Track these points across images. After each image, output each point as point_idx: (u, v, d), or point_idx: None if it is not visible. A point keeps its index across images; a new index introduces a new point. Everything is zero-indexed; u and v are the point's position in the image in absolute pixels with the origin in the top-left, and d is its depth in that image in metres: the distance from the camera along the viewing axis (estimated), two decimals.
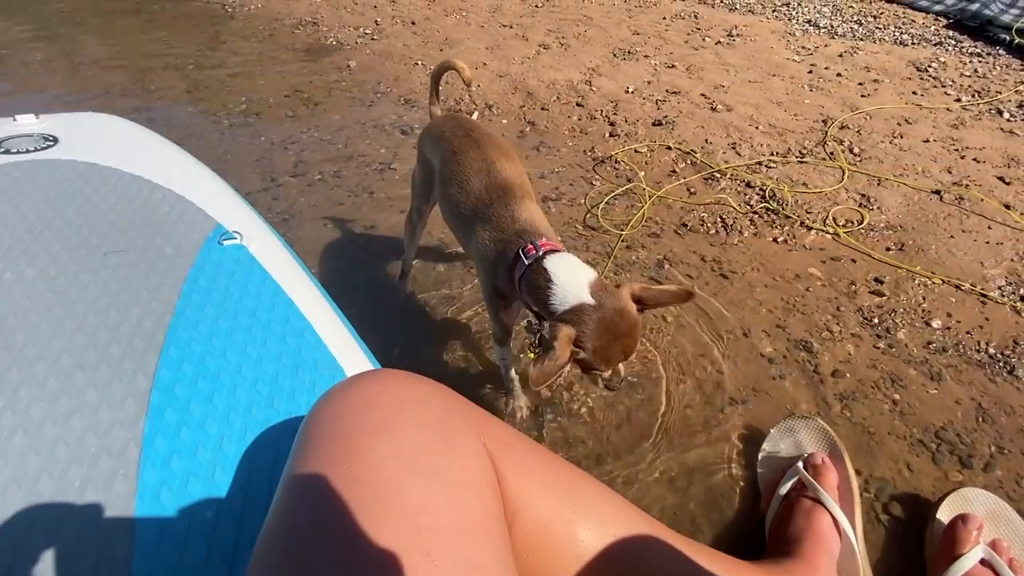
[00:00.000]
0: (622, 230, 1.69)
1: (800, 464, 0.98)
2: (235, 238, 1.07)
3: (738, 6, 3.29)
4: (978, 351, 1.28)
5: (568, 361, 0.85)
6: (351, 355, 0.86)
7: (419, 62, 2.85)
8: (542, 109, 2.37)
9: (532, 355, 1.25)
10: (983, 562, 0.86)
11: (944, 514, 0.95)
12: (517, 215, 1.00)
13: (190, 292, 0.95)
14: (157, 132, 1.49)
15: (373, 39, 3.14)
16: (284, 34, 3.30)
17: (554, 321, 0.88)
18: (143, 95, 2.68)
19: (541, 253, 0.93)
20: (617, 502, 0.66)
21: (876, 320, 1.36)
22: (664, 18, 3.18)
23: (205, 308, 0.92)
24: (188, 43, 3.22)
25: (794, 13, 3.13)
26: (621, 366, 0.93)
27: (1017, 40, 2.48)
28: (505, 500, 0.55)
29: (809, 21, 3.01)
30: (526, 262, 0.93)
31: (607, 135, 2.17)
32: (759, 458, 1.07)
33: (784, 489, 0.97)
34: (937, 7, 2.96)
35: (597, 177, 1.95)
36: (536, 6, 3.45)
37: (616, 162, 2.01)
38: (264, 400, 0.78)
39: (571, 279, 0.89)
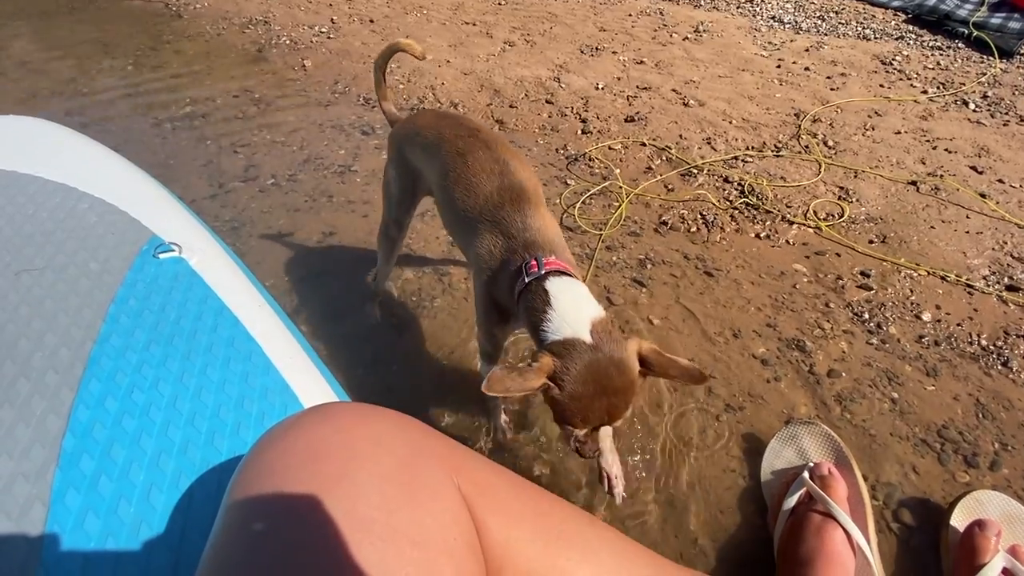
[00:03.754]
0: (600, 230, 1.61)
1: (806, 474, 0.92)
2: (173, 250, 0.94)
3: (703, 3, 3.28)
4: (970, 343, 1.24)
5: (534, 391, 0.73)
6: (307, 380, 0.75)
7: None
8: (510, 107, 2.28)
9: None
10: (1005, 571, 0.81)
11: (958, 520, 0.89)
12: (528, 223, 0.89)
13: (117, 314, 0.82)
14: (90, 137, 1.33)
15: (329, 38, 3.00)
16: (233, 33, 3.12)
17: (541, 349, 0.77)
18: (75, 98, 2.46)
19: (543, 272, 0.82)
20: (615, 541, 0.57)
21: (866, 315, 1.31)
22: (630, 15, 3.14)
23: (135, 332, 0.79)
24: (127, 44, 3.00)
25: (758, 9, 3.13)
26: (603, 433, 0.80)
27: (975, 33, 2.53)
28: (487, 553, 0.45)
29: (773, 17, 3.01)
30: (526, 279, 0.82)
31: (579, 132, 2.10)
32: (762, 468, 1.00)
33: (791, 502, 0.90)
34: (895, 2, 3.00)
35: (571, 176, 1.87)
36: (499, 3, 3.37)
37: (590, 160, 1.94)
38: (203, 438, 0.66)
39: (572, 309, 0.77)
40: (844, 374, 1.18)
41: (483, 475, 0.49)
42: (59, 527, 0.58)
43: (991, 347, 1.23)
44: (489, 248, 0.90)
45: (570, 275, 0.83)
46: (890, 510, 0.96)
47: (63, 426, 0.66)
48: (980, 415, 1.10)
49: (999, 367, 1.19)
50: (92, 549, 0.57)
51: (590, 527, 0.54)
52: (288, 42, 2.99)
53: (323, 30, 3.10)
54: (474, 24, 3.09)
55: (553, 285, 0.80)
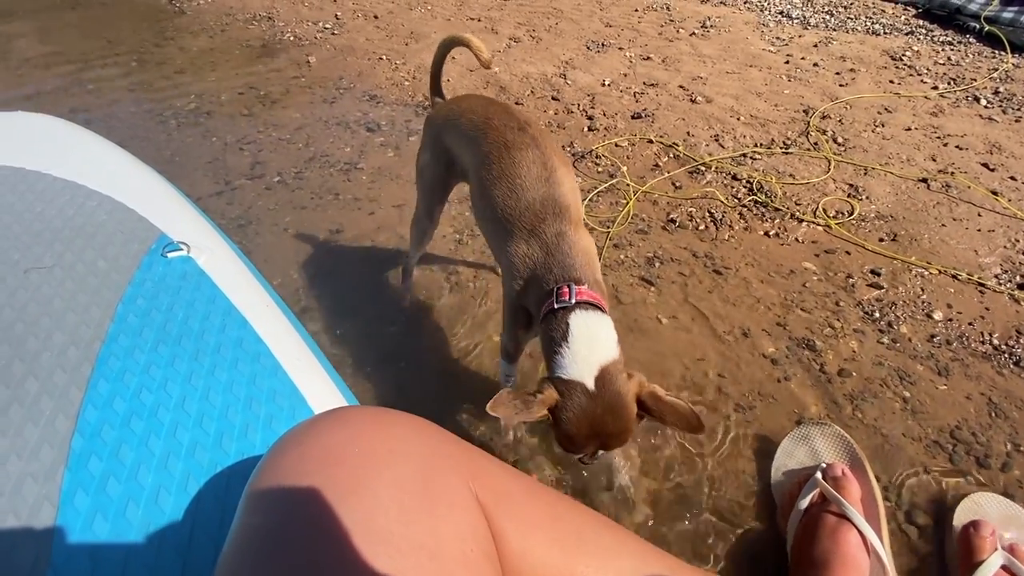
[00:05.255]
0: (608, 228, 1.60)
1: (819, 475, 0.91)
2: (181, 249, 0.94)
3: None
4: (982, 343, 1.23)
5: (535, 419, 0.77)
6: (315, 382, 0.74)
7: (383, 57, 2.71)
8: (516, 104, 2.27)
9: None
10: (1004, 568, 0.81)
11: (959, 521, 0.90)
12: (569, 243, 0.87)
13: (126, 314, 0.82)
14: (99, 134, 1.32)
15: (333, 34, 2.99)
16: (237, 29, 3.11)
17: (548, 380, 0.79)
18: (80, 94, 2.46)
19: (573, 302, 0.81)
20: (633, 545, 0.56)
21: (877, 314, 1.30)
22: (636, 10, 3.12)
23: (143, 332, 0.79)
24: (131, 39, 3.00)
25: (766, 4, 3.11)
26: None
27: (987, 28, 2.50)
28: (505, 562, 0.45)
29: (781, 12, 2.99)
30: (555, 306, 0.82)
31: (585, 129, 2.09)
32: (773, 469, 0.99)
33: (804, 503, 0.89)
34: None
35: (578, 173, 1.86)
36: None
37: (597, 157, 1.93)
38: (211, 440, 0.66)
39: (586, 350, 0.78)
40: (855, 373, 1.17)
41: (500, 481, 0.48)
42: (68, 528, 0.58)
43: (1003, 346, 1.22)
44: (523, 258, 0.88)
45: (598, 307, 0.83)
46: (903, 511, 0.95)
47: (72, 427, 0.66)
48: (992, 415, 1.09)
49: (1011, 366, 1.17)
50: (101, 551, 0.57)
51: (608, 531, 0.54)
52: (292, 38, 2.98)
53: (327, 26, 3.09)
54: (479, 20, 3.07)
55: (576, 320, 0.80)
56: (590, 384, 0.77)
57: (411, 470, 0.41)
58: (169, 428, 0.67)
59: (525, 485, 0.51)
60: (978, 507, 0.90)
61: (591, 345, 0.79)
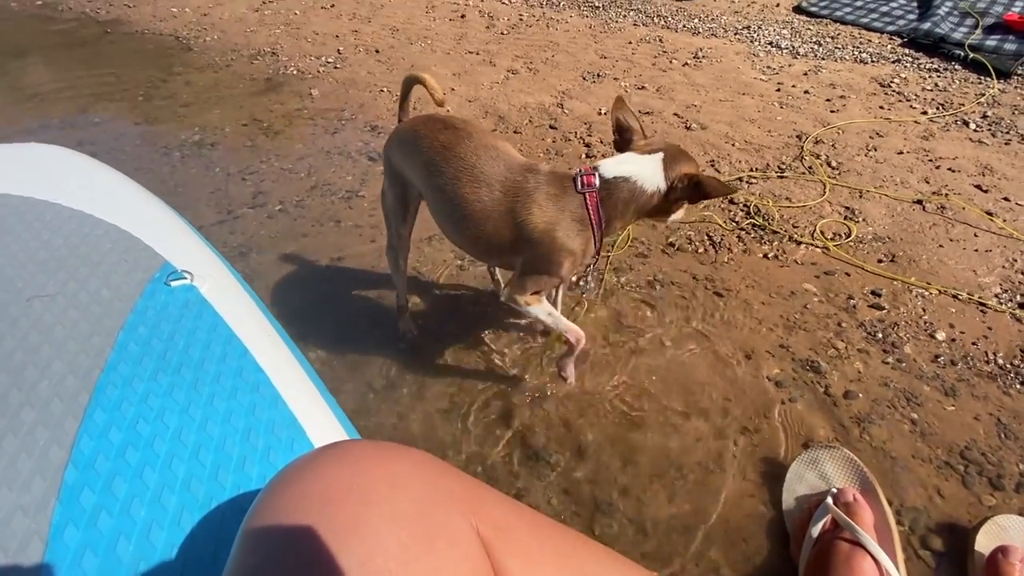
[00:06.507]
0: (608, 252, 1.61)
1: (830, 500, 0.89)
2: (184, 278, 0.94)
3: (700, 30, 3.35)
4: (987, 362, 1.22)
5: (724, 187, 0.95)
6: (315, 414, 0.73)
7: (384, 89, 2.77)
8: (515, 132, 2.31)
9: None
10: None
11: (982, 546, 0.87)
12: (553, 168, 1.01)
13: (126, 342, 0.81)
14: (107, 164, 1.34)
15: (336, 68, 3.06)
16: (242, 65, 3.18)
17: (666, 190, 0.98)
18: (87, 127, 2.50)
19: (598, 172, 0.97)
20: None
21: (880, 335, 1.30)
22: (630, 42, 3.20)
23: (143, 361, 0.78)
24: (138, 74, 3.06)
25: (755, 35, 3.19)
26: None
27: (971, 55, 2.57)
28: None
29: (771, 42, 3.07)
30: (597, 184, 0.97)
31: (583, 156, 2.12)
32: (783, 494, 0.97)
33: (816, 530, 0.87)
34: (890, 27, 3.06)
35: None
36: (501, 33, 3.44)
37: None
38: (207, 473, 0.64)
39: (635, 164, 0.97)
40: (861, 395, 1.16)
41: (502, 516, 0.47)
42: (57, 565, 0.56)
43: (1008, 365, 1.21)
44: (551, 212, 0.97)
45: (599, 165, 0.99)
46: (917, 536, 0.92)
47: (66, 458, 0.65)
48: (1002, 435, 1.07)
49: (1018, 386, 1.16)
50: None
51: (614, 565, 0.52)
52: (295, 72, 3.05)
53: (329, 60, 3.16)
54: (477, 53, 3.15)
55: (608, 171, 0.97)
56: (660, 153, 0.97)
57: (411, 504, 0.41)
58: (165, 459, 0.65)
59: (528, 519, 0.50)
60: (1002, 531, 0.88)
61: (630, 160, 0.98)
